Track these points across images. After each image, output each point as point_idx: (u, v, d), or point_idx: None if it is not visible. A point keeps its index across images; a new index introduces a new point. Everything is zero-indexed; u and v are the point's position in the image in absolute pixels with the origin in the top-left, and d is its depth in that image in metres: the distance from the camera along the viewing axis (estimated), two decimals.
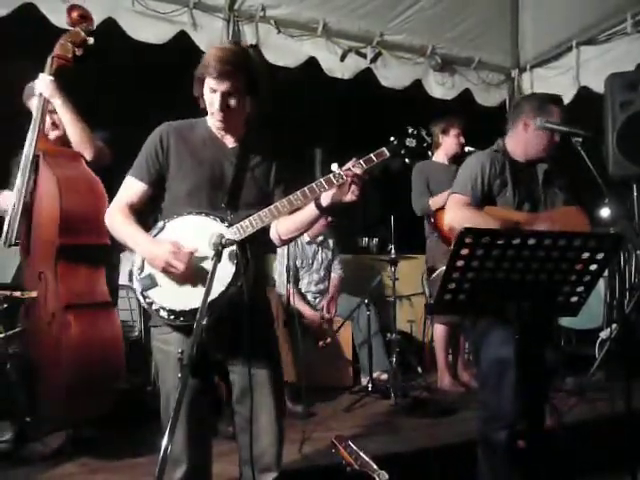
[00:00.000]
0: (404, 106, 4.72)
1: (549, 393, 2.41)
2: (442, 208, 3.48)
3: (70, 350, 2.47)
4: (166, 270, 1.83)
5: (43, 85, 2.70)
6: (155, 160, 1.94)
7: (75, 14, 2.81)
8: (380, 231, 5.07)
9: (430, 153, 3.99)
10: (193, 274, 1.83)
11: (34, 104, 2.75)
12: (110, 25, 3.61)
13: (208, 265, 1.76)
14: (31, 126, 2.71)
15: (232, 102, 1.89)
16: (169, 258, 1.81)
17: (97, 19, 3.58)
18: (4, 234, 2.64)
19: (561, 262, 1.77)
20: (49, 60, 2.76)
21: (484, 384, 2.35)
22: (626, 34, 4.26)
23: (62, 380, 2.47)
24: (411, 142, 1.94)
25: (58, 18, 3.55)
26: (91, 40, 2.80)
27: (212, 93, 1.88)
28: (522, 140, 2.41)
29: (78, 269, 2.58)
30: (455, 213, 2.36)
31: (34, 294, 2.55)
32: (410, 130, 1.96)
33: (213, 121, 1.96)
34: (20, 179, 2.65)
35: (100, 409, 2.57)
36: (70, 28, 2.81)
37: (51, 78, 2.71)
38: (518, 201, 2.33)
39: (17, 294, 2.56)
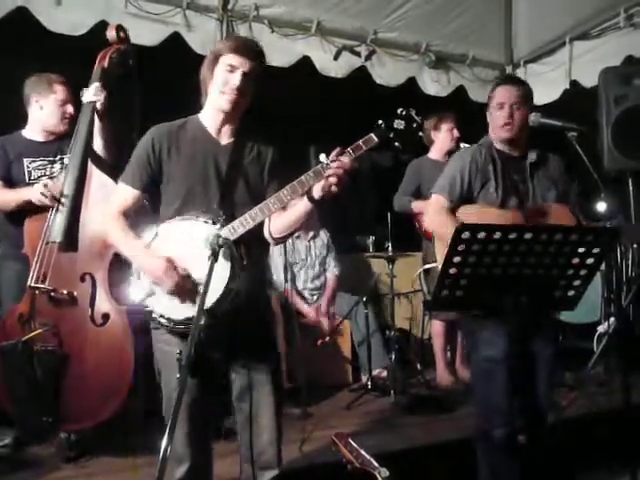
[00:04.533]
0: (399, 104, 4.71)
1: (551, 389, 2.40)
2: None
3: (120, 352, 2.51)
4: (158, 284, 1.84)
5: (100, 98, 2.77)
6: (147, 165, 1.92)
7: (122, 34, 2.94)
8: (377, 229, 5.07)
9: (421, 134, 3.99)
10: (190, 282, 1.82)
11: (48, 104, 2.91)
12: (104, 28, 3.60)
13: (203, 271, 1.75)
14: (79, 131, 2.77)
15: (248, 85, 1.89)
16: (160, 276, 1.81)
17: (90, 22, 3.62)
18: (47, 230, 2.64)
19: (558, 256, 1.78)
20: (98, 70, 2.84)
21: (476, 383, 2.36)
22: (619, 28, 4.27)
23: (101, 380, 2.50)
24: (400, 124, 1.87)
25: (51, 22, 3.55)
26: (131, 61, 2.95)
27: (229, 72, 1.87)
28: (490, 126, 2.44)
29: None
30: (432, 218, 2.43)
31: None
32: (399, 111, 1.89)
33: (220, 101, 1.91)
34: (70, 179, 2.70)
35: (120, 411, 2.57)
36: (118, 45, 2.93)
37: (105, 94, 2.79)
38: (502, 196, 2.33)
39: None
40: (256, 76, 1.91)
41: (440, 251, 2.35)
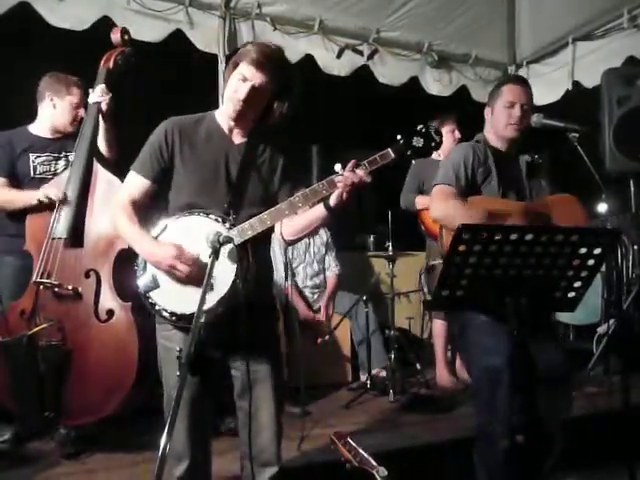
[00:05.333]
0: (401, 103, 4.72)
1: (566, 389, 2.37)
2: (427, 208, 3.55)
3: (124, 348, 2.52)
4: (171, 273, 1.83)
5: (106, 99, 2.83)
6: (159, 156, 1.92)
7: (126, 36, 2.98)
8: (377, 228, 5.07)
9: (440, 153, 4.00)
10: (196, 276, 1.81)
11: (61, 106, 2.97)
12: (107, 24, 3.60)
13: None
14: (85, 131, 2.82)
15: (257, 98, 1.89)
16: (173, 262, 1.80)
17: (92, 18, 3.62)
18: (52, 227, 2.67)
19: (558, 257, 1.77)
20: (103, 72, 2.88)
21: (478, 392, 2.35)
22: (622, 29, 4.27)
23: (104, 376, 2.52)
24: (418, 141, 1.85)
25: (54, 18, 3.55)
26: (133, 59, 3.00)
27: (241, 81, 1.87)
28: (491, 125, 2.43)
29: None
30: (440, 205, 2.34)
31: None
32: (419, 128, 1.86)
33: (228, 109, 1.93)
34: (75, 177, 2.73)
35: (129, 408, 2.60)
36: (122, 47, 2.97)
37: (110, 95, 2.84)
38: (503, 190, 2.32)
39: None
40: (269, 90, 1.89)
41: (447, 242, 2.29)
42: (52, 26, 3.55)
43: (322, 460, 2.58)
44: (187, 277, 1.81)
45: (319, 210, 1.88)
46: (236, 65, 1.90)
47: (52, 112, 2.98)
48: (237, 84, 1.88)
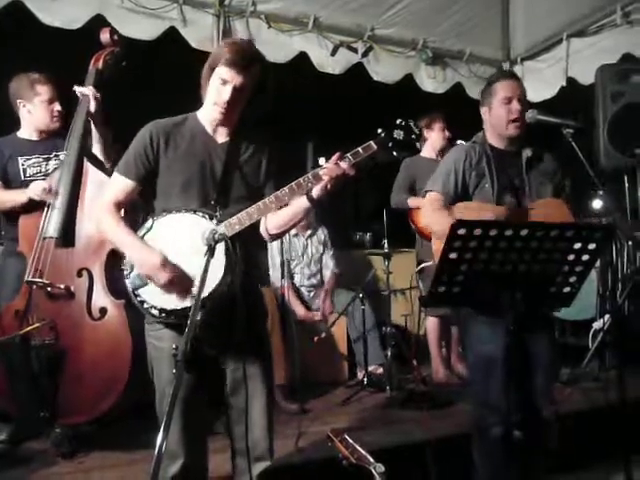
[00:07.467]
0: (397, 101, 4.71)
1: (551, 386, 2.40)
2: (418, 208, 3.79)
3: (118, 346, 2.52)
4: (149, 278, 1.84)
5: (94, 104, 2.78)
6: (144, 158, 1.93)
7: (115, 37, 2.97)
8: (374, 226, 5.07)
9: (418, 145, 4.05)
10: (182, 278, 1.83)
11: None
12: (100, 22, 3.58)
13: (197, 262, 1.77)
14: (75, 126, 2.80)
15: (240, 97, 1.90)
16: (154, 271, 1.81)
17: (86, 16, 3.61)
18: (43, 227, 2.66)
19: (553, 253, 1.78)
20: (93, 72, 2.87)
21: (473, 380, 2.36)
22: (615, 25, 4.28)
23: (98, 374, 2.51)
24: (399, 134, 1.94)
25: (46, 16, 3.53)
26: (124, 63, 2.99)
27: (222, 84, 1.88)
28: (490, 125, 2.42)
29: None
30: (429, 217, 2.40)
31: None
32: (398, 122, 1.96)
33: (213, 112, 1.94)
34: (65, 176, 2.72)
35: (123, 406, 2.59)
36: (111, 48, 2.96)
37: (99, 98, 2.80)
38: (498, 192, 2.31)
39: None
40: (250, 87, 1.90)
41: (437, 249, 2.33)
42: (45, 25, 3.53)
43: (319, 457, 2.59)
44: (170, 286, 1.82)
45: (302, 202, 1.92)
46: (213, 69, 1.90)
47: (29, 117, 2.96)
48: (219, 88, 1.89)
